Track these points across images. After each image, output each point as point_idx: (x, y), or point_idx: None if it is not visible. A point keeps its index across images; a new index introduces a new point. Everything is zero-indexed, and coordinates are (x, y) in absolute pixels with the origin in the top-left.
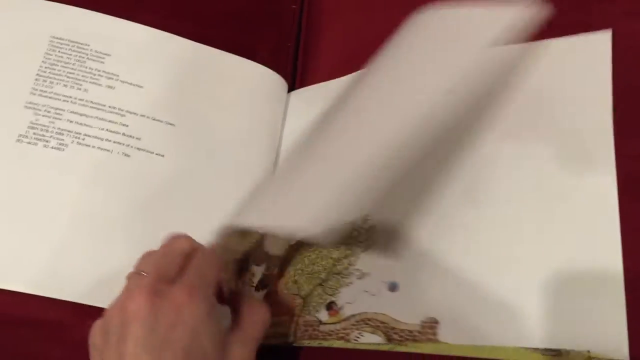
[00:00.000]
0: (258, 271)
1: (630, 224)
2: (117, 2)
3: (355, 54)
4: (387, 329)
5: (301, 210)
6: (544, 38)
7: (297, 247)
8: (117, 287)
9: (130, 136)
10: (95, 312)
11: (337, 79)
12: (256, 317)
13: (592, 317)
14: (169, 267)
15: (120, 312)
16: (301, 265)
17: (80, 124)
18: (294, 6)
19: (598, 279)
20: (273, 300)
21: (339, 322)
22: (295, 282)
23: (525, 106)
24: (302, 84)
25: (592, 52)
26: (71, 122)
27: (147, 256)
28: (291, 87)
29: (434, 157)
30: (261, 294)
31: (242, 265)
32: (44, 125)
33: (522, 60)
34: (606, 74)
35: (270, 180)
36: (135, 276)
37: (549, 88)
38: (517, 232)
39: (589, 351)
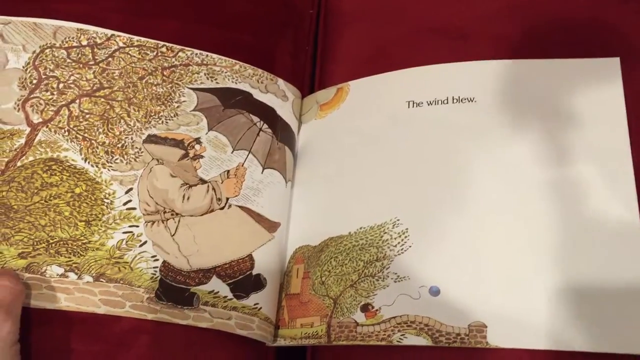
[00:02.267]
0: None
1: None
2: (143, 10)
3: (371, 57)
4: (432, 331)
5: None
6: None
7: (322, 248)
8: None
9: None
10: None
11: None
12: None
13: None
14: None
15: None
16: (328, 267)
17: None
18: (311, 11)
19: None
20: (299, 302)
21: (377, 323)
22: (323, 283)
23: (546, 122)
24: (321, 87)
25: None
26: None
27: None
28: (310, 90)
29: (469, 164)
30: None
31: None
32: None
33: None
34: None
35: None
36: None
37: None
38: (548, 239)
39: None
